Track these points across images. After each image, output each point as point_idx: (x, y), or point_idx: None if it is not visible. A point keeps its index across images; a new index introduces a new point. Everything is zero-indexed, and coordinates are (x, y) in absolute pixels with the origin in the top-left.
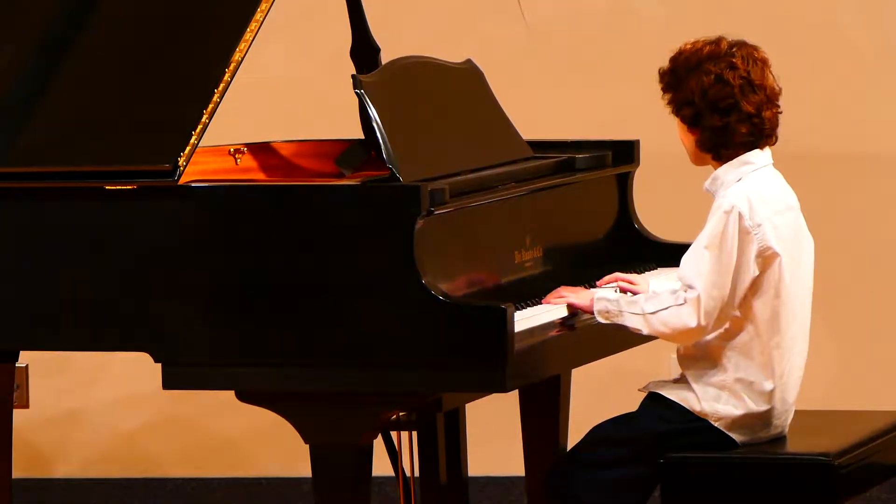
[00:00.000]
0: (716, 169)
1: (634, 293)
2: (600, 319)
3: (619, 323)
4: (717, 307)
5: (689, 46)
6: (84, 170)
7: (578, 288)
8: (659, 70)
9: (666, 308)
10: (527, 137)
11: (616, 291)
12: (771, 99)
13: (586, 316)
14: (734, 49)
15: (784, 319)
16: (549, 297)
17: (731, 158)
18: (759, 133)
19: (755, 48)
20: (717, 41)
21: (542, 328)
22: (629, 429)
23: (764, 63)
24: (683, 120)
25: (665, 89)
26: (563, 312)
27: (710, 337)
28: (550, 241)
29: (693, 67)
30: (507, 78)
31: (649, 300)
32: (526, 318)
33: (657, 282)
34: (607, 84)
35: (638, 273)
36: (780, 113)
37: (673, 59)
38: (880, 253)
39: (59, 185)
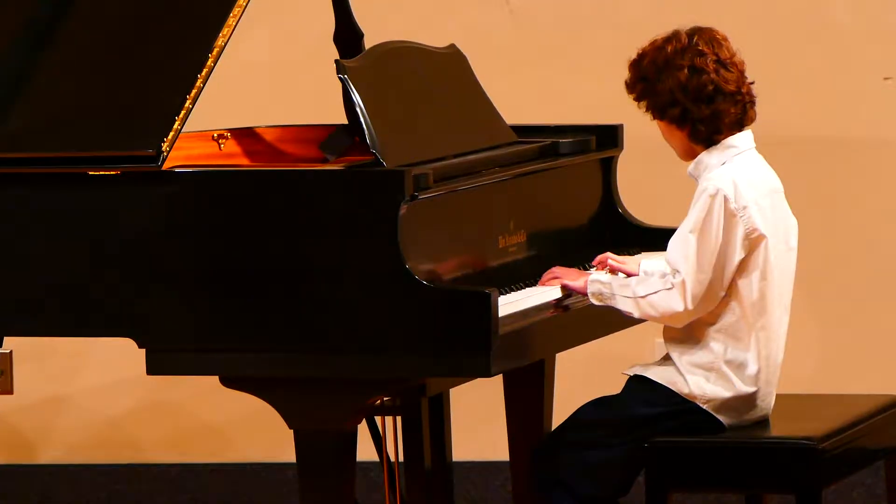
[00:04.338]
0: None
1: (627, 273)
2: (594, 301)
3: (611, 305)
4: (703, 290)
5: (648, 49)
6: (67, 155)
7: (572, 269)
8: (626, 82)
9: (655, 292)
10: (510, 122)
11: (607, 273)
12: (742, 72)
13: (572, 299)
14: (695, 37)
15: (770, 301)
16: (545, 277)
17: (721, 142)
18: (744, 108)
19: (712, 29)
20: (675, 35)
21: (527, 313)
22: (613, 411)
23: (725, 41)
24: (672, 120)
25: (639, 98)
26: (548, 297)
27: (697, 319)
28: (534, 225)
29: (662, 68)
30: (491, 63)
31: (640, 283)
32: (510, 303)
33: (648, 262)
34: (591, 68)
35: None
36: (753, 83)
37: (636, 67)
38: (864, 237)
39: (42, 171)
